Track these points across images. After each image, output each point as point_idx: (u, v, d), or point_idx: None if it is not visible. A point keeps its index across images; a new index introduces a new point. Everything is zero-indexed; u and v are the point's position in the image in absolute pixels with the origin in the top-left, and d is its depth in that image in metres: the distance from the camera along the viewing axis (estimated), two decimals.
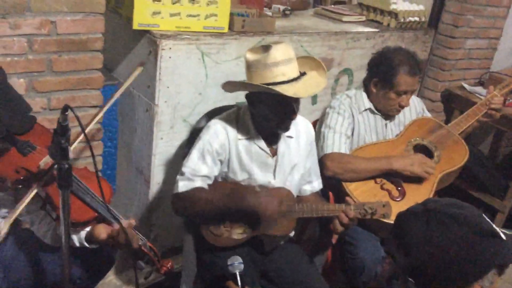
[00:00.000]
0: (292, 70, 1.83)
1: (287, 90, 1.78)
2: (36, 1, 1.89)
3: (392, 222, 1.87)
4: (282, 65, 1.80)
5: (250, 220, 1.94)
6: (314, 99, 2.79)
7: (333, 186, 2.28)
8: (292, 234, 2.14)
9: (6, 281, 1.72)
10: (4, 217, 1.67)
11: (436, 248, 1.23)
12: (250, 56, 1.85)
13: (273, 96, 1.83)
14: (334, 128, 2.29)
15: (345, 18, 3.04)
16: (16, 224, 1.83)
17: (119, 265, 2.46)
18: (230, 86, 1.98)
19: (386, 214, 1.95)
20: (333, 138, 2.27)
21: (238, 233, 1.98)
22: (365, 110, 2.37)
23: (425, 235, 1.24)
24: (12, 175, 1.52)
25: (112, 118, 2.51)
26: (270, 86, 1.79)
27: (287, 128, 1.96)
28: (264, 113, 1.91)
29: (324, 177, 2.21)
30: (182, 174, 1.95)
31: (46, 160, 1.54)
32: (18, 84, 1.97)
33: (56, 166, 1.33)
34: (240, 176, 2.00)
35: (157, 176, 2.47)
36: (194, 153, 1.96)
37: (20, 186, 1.55)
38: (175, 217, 2.40)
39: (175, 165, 2.42)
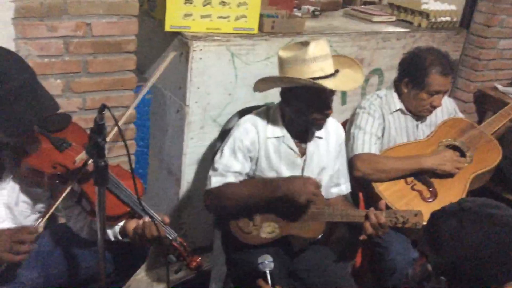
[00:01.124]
0: (329, 66, 1.84)
1: (328, 84, 1.79)
2: (73, 4, 1.95)
3: (424, 223, 1.86)
4: (320, 61, 1.81)
5: (282, 212, 1.94)
6: (343, 99, 2.78)
7: (363, 187, 2.27)
8: (320, 235, 2.14)
9: (43, 275, 1.76)
10: (40, 212, 1.73)
11: (470, 247, 1.22)
12: (285, 53, 1.86)
13: (310, 91, 1.84)
14: (364, 129, 2.28)
15: (375, 18, 3.02)
16: (52, 219, 1.89)
17: (150, 262, 2.50)
18: (267, 83, 1.97)
19: (418, 223, 1.92)
20: (363, 139, 2.26)
21: (266, 232, 1.99)
22: (396, 110, 2.35)
23: (459, 234, 1.23)
24: (49, 170, 1.56)
25: (144, 118, 2.56)
26: (305, 80, 1.80)
27: (321, 125, 1.96)
28: (300, 109, 1.91)
29: (354, 178, 2.20)
30: (215, 170, 1.98)
31: (81, 157, 1.59)
32: (55, 84, 2.03)
33: (93, 163, 1.37)
34: (268, 174, 2.01)
35: (187, 176, 2.51)
36: (226, 150, 1.98)
37: (57, 182, 1.60)
38: (205, 215, 2.44)
39: (205, 164, 2.45)
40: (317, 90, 1.82)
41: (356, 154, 2.23)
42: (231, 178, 1.96)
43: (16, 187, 1.63)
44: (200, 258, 1.68)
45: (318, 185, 1.91)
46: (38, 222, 1.56)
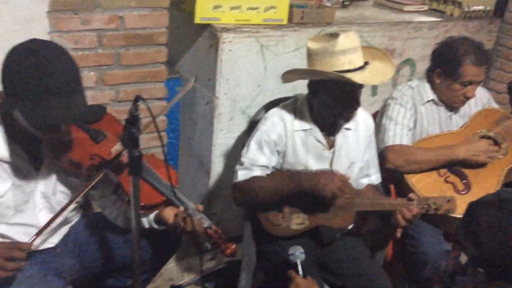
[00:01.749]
0: (358, 59, 1.81)
1: (356, 78, 1.77)
2: None
3: (457, 216, 1.83)
4: (349, 53, 1.78)
5: (310, 204, 1.94)
6: (373, 90, 2.75)
7: (395, 179, 2.24)
8: (351, 226, 2.13)
9: (79, 263, 1.81)
10: (77, 202, 1.77)
11: (509, 238, 1.20)
12: (314, 44, 1.84)
13: (338, 85, 1.81)
14: (396, 120, 2.25)
15: (406, 8, 2.98)
16: (88, 208, 1.93)
17: (181, 252, 2.53)
18: (294, 74, 1.96)
19: (451, 209, 1.89)
20: (394, 130, 2.23)
21: (296, 224, 1.99)
22: (428, 101, 2.31)
23: (497, 225, 1.21)
24: (86, 161, 1.60)
25: (175, 110, 2.58)
26: (333, 73, 1.78)
27: (349, 118, 1.94)
28: (327, 103, 1.89)
29: (385, 170, 2.18)
30: (241, 164, 1.98)
31: (117, 147, 1.61)
32: (89, 77, 2.07)
33: (127, 154, 1.39)
34: (296, 168, 1.99)
35: (217, 167, 2.53)
36: (252, 144, 1.98)
37: (94, 172, 1.63)
38: (235, 206, 2.45)
39: (234, 156, 2.46)
40: (345, 83, 1.79)
41: (388, 146, 2.20)
42: (257, 172, 1.96)
43: (53, 177, 1.67)
44: (234, 245, 1.69)
45: (345, 180, 1.89)
46: (31, 239, 1.56)
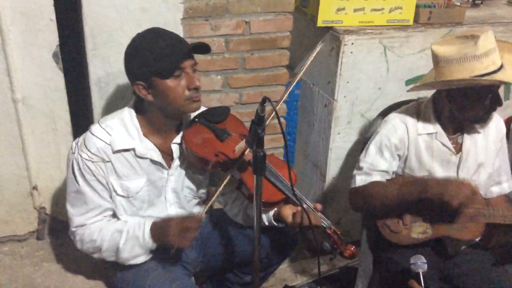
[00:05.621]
0: (498, 58, 1.72)
1: (508, 78, 1.68)
2: (234, 3, 2.06)
3: None
4: (491, 54, 1.69)
5: (434, 214, 1.85)
6: (506, 94, 2.55)
7: None
8: (478, 238, 1.99)
9: (202, 256, 1.91)
10: (201, 197, 1.88)
11: None
12: (446, 49, 1.75)
13: (481, 88, 1.72)
14: None
15: None
16: (211, 205, 2.03)
17: (295, 254, 2.55)
18: (432, 86, 1.88)
19: None
20: None
21: (418, 232, 1.91)
22: None
23: None
24: (212, 158, 1.68)
25: (292, 113, 2.62)
26: (484, 78, 1.69)
27: (486, 119, 1.84)
28: (468, 106, 1.79)
29: None
30: (360, 168, 1.95)
31: (240, 146, 1.68)
32: (216, 80, 2.17)
33: (252, 153, 1.44)
34: (419, 173, 1.92)
35: (332, 171, 2.51)
36: (372, 148, 1.94)
37: (219, 169, 1.71)
38: (349, 211, 2.42)
39: (350, 160, 2.43)
40: (489, 85, 1.70)
41: None
42: (377, 178, 1.91)
43: (182, 173, 1.78)
44: (354, 247, 1.67)
45: (474, 191, 1.78)
46: (202, 211, 1.67)
